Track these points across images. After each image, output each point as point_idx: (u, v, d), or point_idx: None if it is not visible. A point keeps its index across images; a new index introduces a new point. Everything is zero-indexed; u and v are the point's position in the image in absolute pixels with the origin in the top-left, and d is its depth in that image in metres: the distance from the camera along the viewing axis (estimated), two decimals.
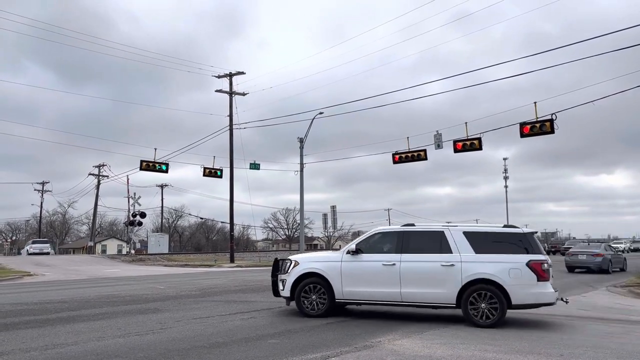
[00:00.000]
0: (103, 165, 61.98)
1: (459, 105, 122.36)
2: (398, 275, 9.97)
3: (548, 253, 58.36)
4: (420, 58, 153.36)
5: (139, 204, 46.32)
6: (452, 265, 9.75)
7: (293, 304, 10.78)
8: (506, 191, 66.85)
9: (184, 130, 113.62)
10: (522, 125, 22.14)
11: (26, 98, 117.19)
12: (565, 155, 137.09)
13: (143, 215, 45.99)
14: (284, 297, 10.94)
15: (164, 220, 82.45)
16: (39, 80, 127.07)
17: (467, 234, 10.02)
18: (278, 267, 11.31)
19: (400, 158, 27.33)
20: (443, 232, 10.18)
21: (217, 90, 37.60)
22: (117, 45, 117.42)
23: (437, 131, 26.35)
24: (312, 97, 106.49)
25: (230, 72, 37.39)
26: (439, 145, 26.27)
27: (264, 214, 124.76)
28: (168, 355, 6.93)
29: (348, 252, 10.49)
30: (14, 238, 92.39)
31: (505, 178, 67.23)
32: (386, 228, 11.05)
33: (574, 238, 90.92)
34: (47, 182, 71.30)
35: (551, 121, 21.39)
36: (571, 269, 27.14)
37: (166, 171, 33.33)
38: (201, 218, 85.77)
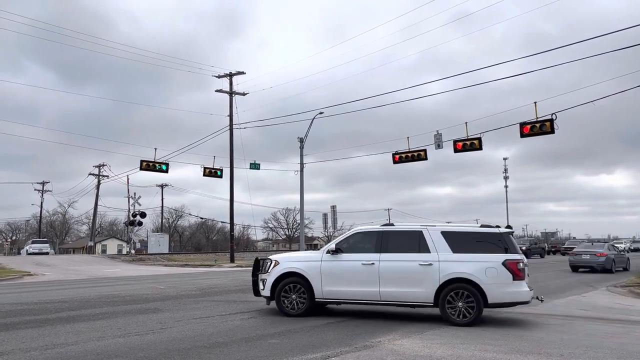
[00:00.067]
0: (103, 165, 62.04)
1: (459, 105, 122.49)
2: (377, 275, 10.05)
3: (548, 253, 58.46)
4: (420, 58, 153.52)
5: (139, 204, 46.30)
6: (430, 264, 9.83)
7: (273, 303, 10.82)
8: (506, 191, 67.01)
9: (184, 130, 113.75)
10: (522, 125, 22.14)
11: (26, 98, 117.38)
12: (565, 155, 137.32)
13: (143, 215, 45.96)
14: (264, 297, 10.99)
15: (164, 220, 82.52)
16: (39, 80, 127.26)
17: (445, 234, 10.11)
18: (259, 267, 11.35)
19: (400, 158, 27.32)
20: (421, 231, 10.27)
21: (217, 90, 37.60)
22: (117, 45, 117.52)
23: (437, 131, 26.38)
24: (312, 97, 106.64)
25: (230, 72, 37.38)
26: (439, 145, 26.27)
27: (264, 213, 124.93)
28: (168, 355, 6.93)
29: (328, 252, 10.55)
30: (14, 238, 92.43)
31: (506, 178, 67.38)
32: (366, 228, 11.10)
33: (574, 238, 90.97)
34: (47, 182, 71.36)
35: (551, 121, 21.38)
36: (575, 268, 27.43)
37: (166, 171, 33.35)
38: (201, 218, 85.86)
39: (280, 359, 6.79)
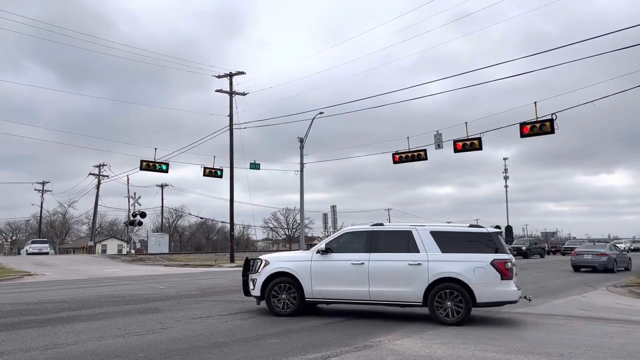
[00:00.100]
0: (103, 165, 62.03)
1: (459, 105, 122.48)
2: (367, 274, 10.08)
3: (548, 253, 58.26)
4: (420, 58, 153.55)
5: (139, 204, 46.32)
6: (419, 264, 9.87)
7: (263, 303, 10.82)
8: (506, 191, 67.15)
9: (185, 130, 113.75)
10: (522, 125, 22.14)
11: (26, 98, 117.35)
12: (565, 155, 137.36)
13: (143, 215, 45.98)
14: (254, 297, 11.00)
15: (164, 220, 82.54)
16: (39, 80, 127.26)
17: (434, 234, 10.17)
18: (249, 267, 11.37)
19: (400, 158, 27.33)
20: (411, 231, 10.32)
21: (217, 90, 37.59)
22: (117, 45, 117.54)
23: (437, 131, 26.39)
24: (312, 97, 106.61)
25: (230, 72, 37.37)
26: (439, 145, 26.28)
27: (264, 213, 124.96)
28: (168, 355, 6.93)
29: (318, 252, 10.58)
30: (14, 238, 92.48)
31: (506, 178, 67.50)
32: (355, 228, 11.16)
33: (574, 238, 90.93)
34: (47, 182, 71.32)
35: (551, 121, 21.39)
36: (577, 268, 27.58)
37: (166, 171, 33.36)
38: (201, 218, 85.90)
39: (280, 359, 6.79)
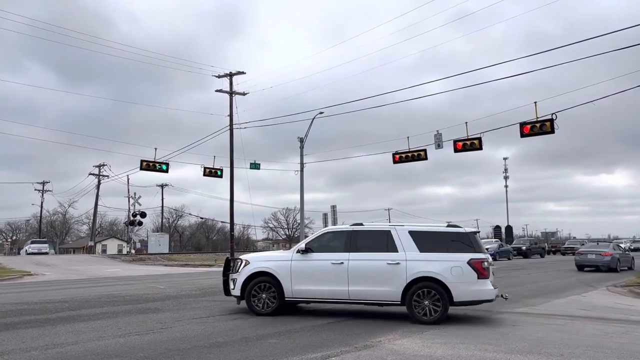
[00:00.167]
0: (103, 165, 61.95)
1: (459, 105, 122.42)
2: (346, 274, 10.15)
3: (548, 253, 58.37)
4: (420, 58, 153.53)
5: (139, 204, 46.39)
6: (398, 263, 9.95)
7: (243, 303, 10.85)
8: (506, 191, 67.18)
9: (184, 130, 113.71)
10: (522, 125, 22.11)
11: (26, 98, 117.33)
12: (565, 155, 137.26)
13: (143, 215, 46.03)
14: (235, 297, 11.03)
15: (164, 220, 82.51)
16: (39, 80, 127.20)
17: (412, 233, 10.26)
18: (229, 267, 11.41)
19: (400, 158, 27.31)
20: (389, 231, 10.42)
21: (217, 90, 37.54)
22: (117, 45, 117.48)
23: (437, 131, 26.34)
24: (312, 97, 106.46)
25: (230, 72, 37.33)
26: (439, 145, 26.25)
27: (264, 213, 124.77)
28: (168, 355, 6.93)
29: (298, 251, 10.65)
30: (14, 238, 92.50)
31: (506, 178, 67.55)
32: (336, 227, 11.37)
33: (574, 238, 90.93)
34: (47, 182, 71.18)
35: (551, 121, 21.37)
36: (580, 267, 27.83)
37: (166, 171, 33.33)
38: (201, 218, 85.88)
39: (280, 359, 6.79)
